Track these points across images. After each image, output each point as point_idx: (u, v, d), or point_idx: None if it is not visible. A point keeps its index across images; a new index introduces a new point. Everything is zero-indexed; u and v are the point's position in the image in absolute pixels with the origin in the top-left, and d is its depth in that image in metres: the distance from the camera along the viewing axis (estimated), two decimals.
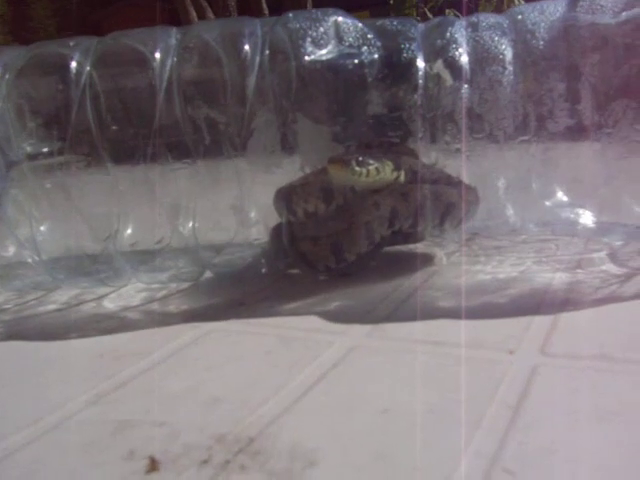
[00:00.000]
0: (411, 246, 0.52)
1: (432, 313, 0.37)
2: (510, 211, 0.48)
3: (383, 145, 0.44)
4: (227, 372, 0.31)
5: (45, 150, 0.47)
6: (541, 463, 0.22)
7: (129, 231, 0.48)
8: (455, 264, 0.47)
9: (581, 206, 0.48)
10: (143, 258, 0.48)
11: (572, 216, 0.48)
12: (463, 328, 0.35)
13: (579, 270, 0.44)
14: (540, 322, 0.35)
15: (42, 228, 0.49)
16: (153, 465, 0.23)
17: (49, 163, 0.47)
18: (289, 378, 0.30)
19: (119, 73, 0.48)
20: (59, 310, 0.43)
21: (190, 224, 0.47)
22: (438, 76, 0.43)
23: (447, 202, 0.44)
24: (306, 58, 0.40)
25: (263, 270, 0.48)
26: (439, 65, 0.44)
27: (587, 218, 0.48)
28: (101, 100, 0.45)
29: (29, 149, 0.47)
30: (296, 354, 0.33)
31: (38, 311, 0.43)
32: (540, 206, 0.48)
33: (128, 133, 0.46)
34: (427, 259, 0.49)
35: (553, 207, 0.48)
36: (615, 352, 0.30)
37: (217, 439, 0.25)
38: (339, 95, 0.41)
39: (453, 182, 0.45)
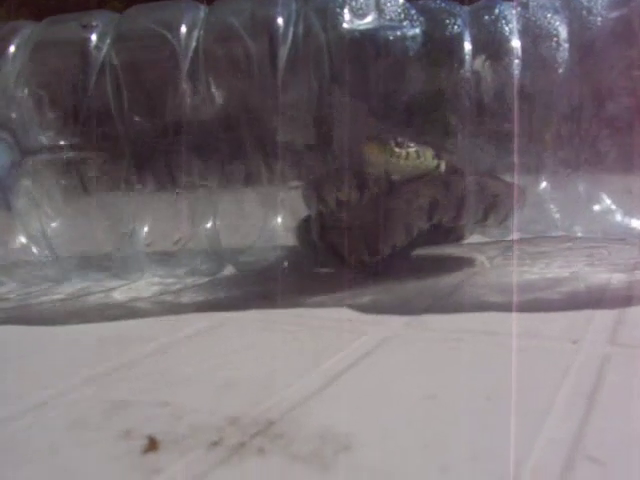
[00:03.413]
0: (447, 251, 0.48)
1: (478, 306, 0.33)
2: (555, 212, 0.44)
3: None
4: (245, 357, 0.27)
5: (62, 143, 0.44)
6: (629, 451, 0.17)
7: (145, 229, 0.44)
8: (498, 266, 0.43)
9: (631, 214, 0.43)
10: (160, 258, 0.44)
11: (625, 221, 0.44)
12: (515, 319, 0.30)
13: (638, 272, 0.39)
14: (604, 315, 0.30)
15: (53, 225, 0.45)
16: (152, 444, 0.19)
17: (66, 157, 0.44)
18: (316, 364, 0.26)
19: (141, 60, 0.44)
20: (64, 300, 0.39)
21: (210, 224, 0.43)
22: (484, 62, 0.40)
23: (492, 195, 0.40)
24: (344, 26, 0.37)
25: (287, 267, 0.44)
26: (479, 62, 0.40)
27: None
28: (123, 92, 0.41)
29: (45, 140, 0.44)
30: (324, 341, 0.29)
31: (42, 300, 0.40)
32: (588, 210, 0.44)
33: (150, 127, 0.43)
34: (466, 262, 0.45)
35: (602, 213, 0.44)
36: None
37: (230, 421, 0.21)
38: (378, 67, 0.37)
39: (497, 177, 0.41)
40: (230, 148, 0.40)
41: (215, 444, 0.19)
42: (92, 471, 0.18)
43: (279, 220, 0.43)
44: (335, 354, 0.27)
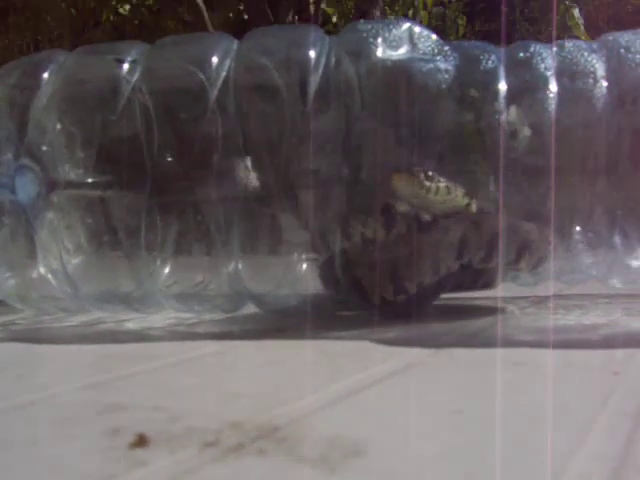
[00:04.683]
0: (476, 301, 0.45)
1: (509, 343, 0.31)
2: (590, 259, 0.42)
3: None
4: (254, 374, 0.25)
5: (89, 180, 0.43)
6: None
7: (167, 271, 0.43)
8: (530, 314, 0.41)
9: None
10: (180, 296, 0.43)
11: None
12: (551, 353, 0.28)
13: None
14: None
15: (74, 261, 0.44)
16: (141, 441, 0.17)
17: (91, 194, 0.43)
18: (332, 381, 0.23)
19: (170, 93, 0.43)
20: (75, 326, 0.38)
21: (232, 266, 0.41)
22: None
23: (524, 237, 0.38)
24: (377, 55, 0.36)
25: (309, 308, 0.42)
26: (512, 113, 0.39)
27: None
28: (151, 126, 0.41)
29: (73, 176, 0.43)
30: (343, 364, 0.27)
31: (53, 326, 0.38)
32: (625, 263, 0.41)
33: (177, 165, 0.42)
34: (496, 310, 0.43)
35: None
36: None
37: (231, 425, 0.18)
38: (409, 98, 0.36)
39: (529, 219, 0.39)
40: (256, 188, 0.39)
41: (211, 444, 0.17)
42: (70, 461, 0.16)
43: (303, 265, 0.41)
44: (353, 375, 0.25)
